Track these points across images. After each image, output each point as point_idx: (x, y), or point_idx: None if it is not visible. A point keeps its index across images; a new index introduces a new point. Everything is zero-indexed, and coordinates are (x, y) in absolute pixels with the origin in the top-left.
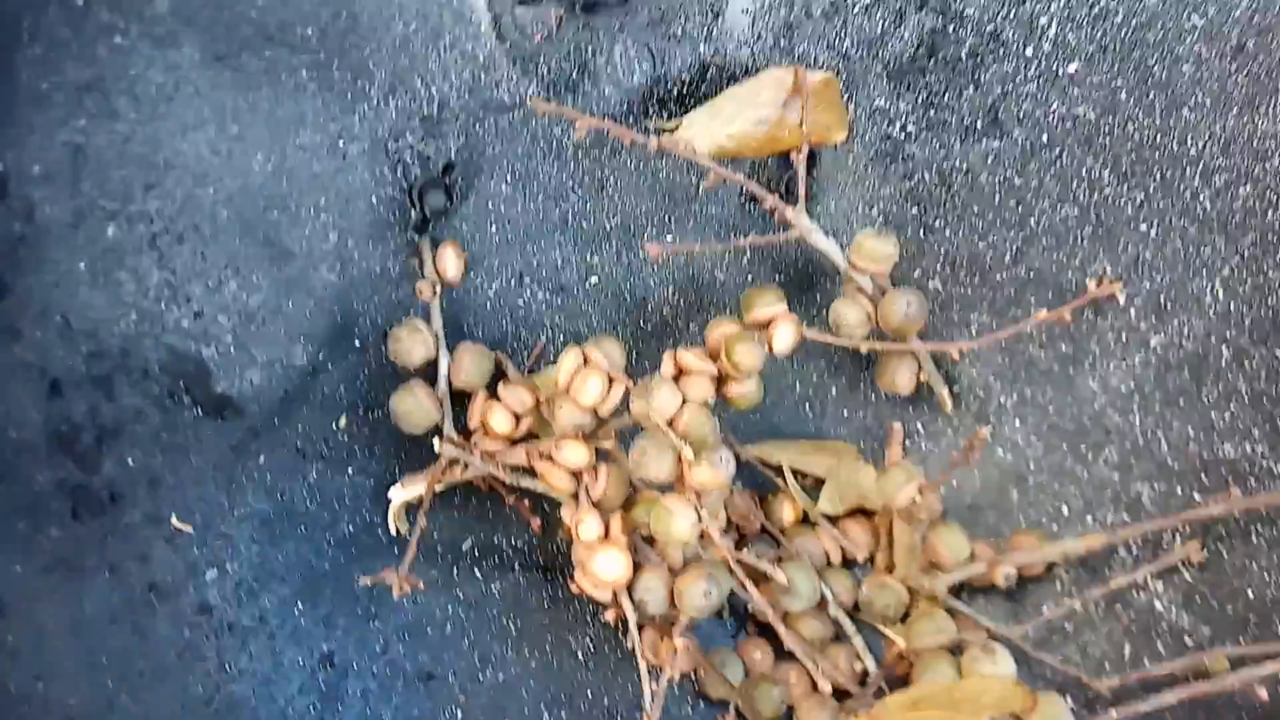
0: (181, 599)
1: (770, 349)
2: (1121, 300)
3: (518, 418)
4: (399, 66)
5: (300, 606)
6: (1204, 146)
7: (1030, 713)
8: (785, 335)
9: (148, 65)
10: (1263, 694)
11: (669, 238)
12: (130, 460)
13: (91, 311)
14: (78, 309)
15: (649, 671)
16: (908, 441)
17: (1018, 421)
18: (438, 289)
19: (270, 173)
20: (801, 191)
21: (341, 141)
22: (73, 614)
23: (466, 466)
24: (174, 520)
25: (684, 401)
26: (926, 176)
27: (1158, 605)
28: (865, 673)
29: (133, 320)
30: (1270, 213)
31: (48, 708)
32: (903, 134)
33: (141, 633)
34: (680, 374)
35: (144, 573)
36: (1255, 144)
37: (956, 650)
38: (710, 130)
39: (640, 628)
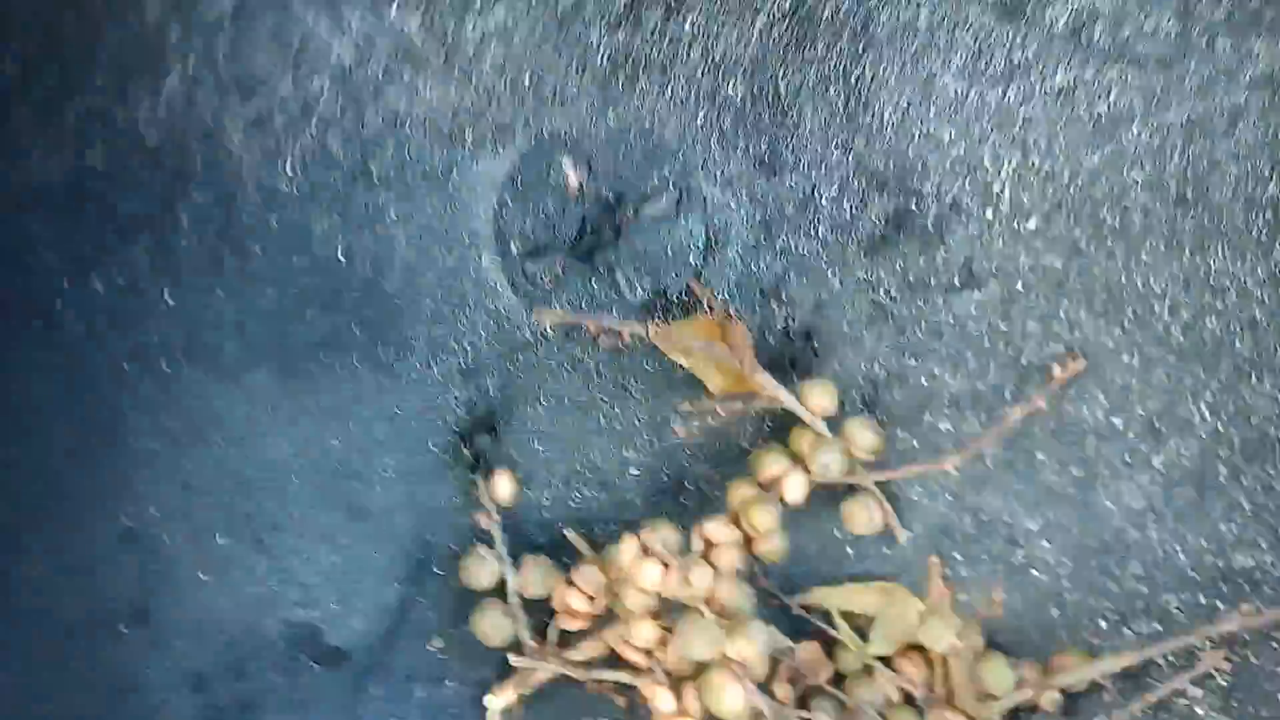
0: None
1: (786, 502)
2: (1120, 424)
3: (592, 598)
4: (435, 335)
5: None
6: (1166, 285)
7: None
8: (795, 488)
9: (230, 399)
10: None
11: (695, 423)
12: None
13: (217, 612)
14: (206, 613)
15: None
16: (947, 570)
17: (1045, 543)
18: (496, 515)
19: (341, 449)
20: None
21: (396, 408)
22: None
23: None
24: None
25: (718, 575)
26: (918, 331)
27: (1199, 711)
28: None
29: (251, 607)
30: (1237, 342)
31: None
32: (887, 298)
33: None
34: (709, 546)
35: None
36: (1211, 281)
37: None
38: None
39: None
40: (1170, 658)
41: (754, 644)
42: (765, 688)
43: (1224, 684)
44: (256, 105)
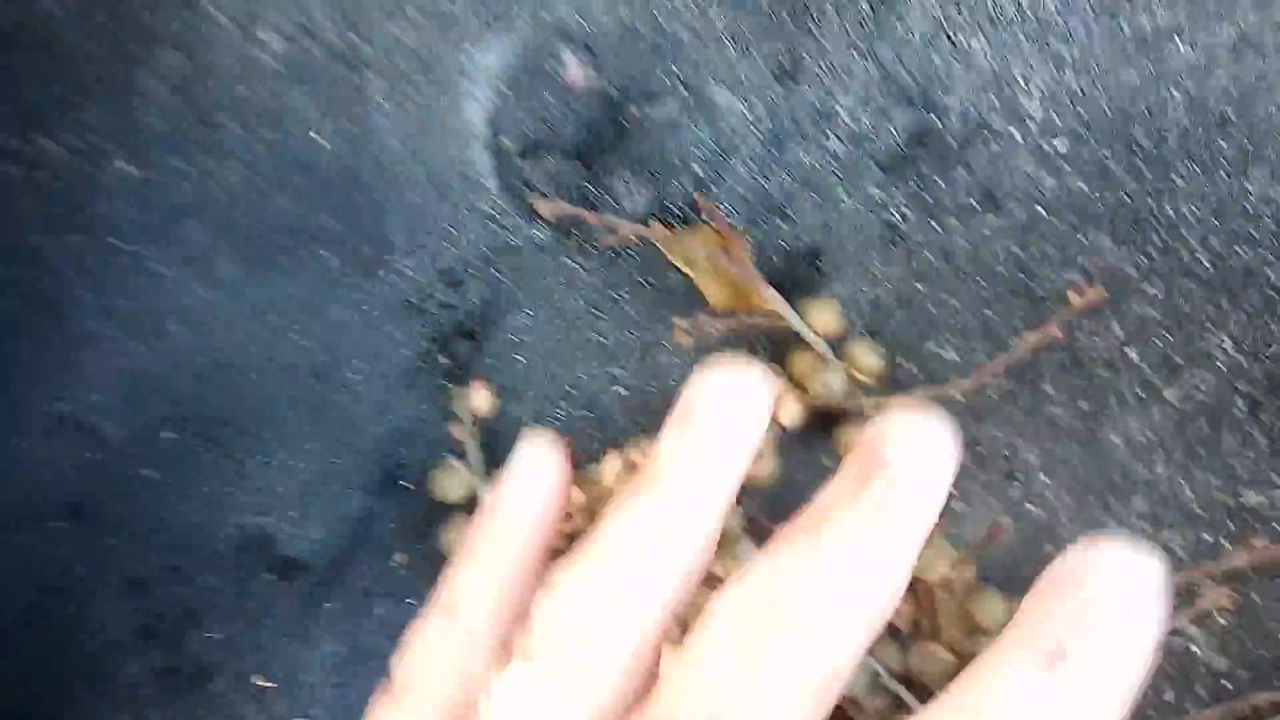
0: None
1: (780, 425)
2: (1134, 356)
3: (570, 515)
4: (416, 232)
5: None
6: (1198, 211)
7: None
8: (790, 411)
9: (187, 284)
10: None
11: (690, 338)
12: (212, 635)
13: (163, 511)
14: (151, 512)
15: None
16: None
17: (1045, 477)
18: (471, 427)
19: (309, 350)
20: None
21: (369, 308)
22: None
23: None
24: (258, 679)
25: None
26: (930, 255)
27: (1196, 650)
28: None
29: (199, 509)
30: (1268, 271)
31: None
32: (902, 220)
33: None
34: None
35: None
36: (1247, 207)
37: None
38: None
39: None
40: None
41: (741, 563)
42: None
43: (1223, 623)
44: None
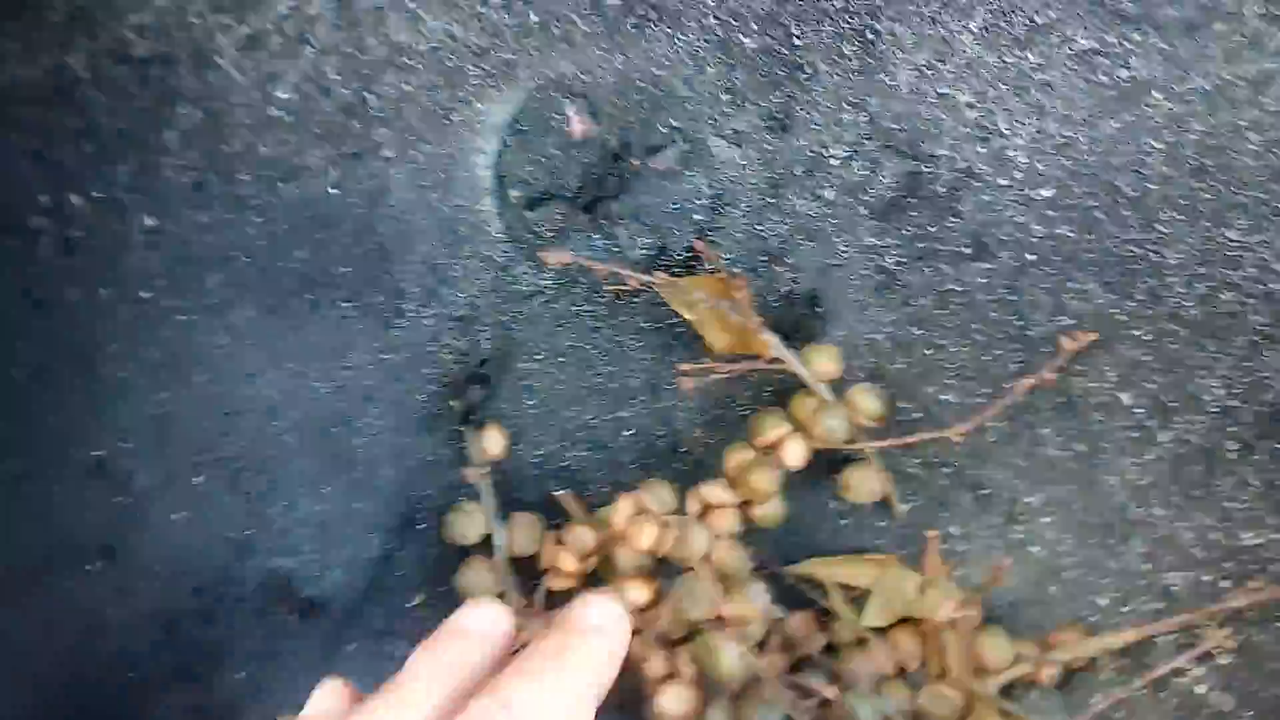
0: None
1: (785, 466)
2: (1127, 400)
3: (583, 558)
4: (428, 280)
5: None
6: (1182, 257)
7: None
8: (795, 452)
9: (211, 333)
10: None
11: (695, 382)
12: (240, 674)
13: (190, 554)
14: (179, 554)
15: None
16: (944, 544)
17: (1047, 519)
18: (485, 471)
19: (327, 395)
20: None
21: (385, 355)
22: None
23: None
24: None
25: (715, 537)
26: (925, 301)
27: (1199, 690)
28: None
29: (224, 551)
30: (1253, 316)
31: None
32: (896, 265)
33: None
34: (707, 509)
35: None
36: (1228, 253)
37: None
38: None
39: None
40: (1171, 636)
41: (753, 604)
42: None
43: (1225, 663)
44: (251, 23)
